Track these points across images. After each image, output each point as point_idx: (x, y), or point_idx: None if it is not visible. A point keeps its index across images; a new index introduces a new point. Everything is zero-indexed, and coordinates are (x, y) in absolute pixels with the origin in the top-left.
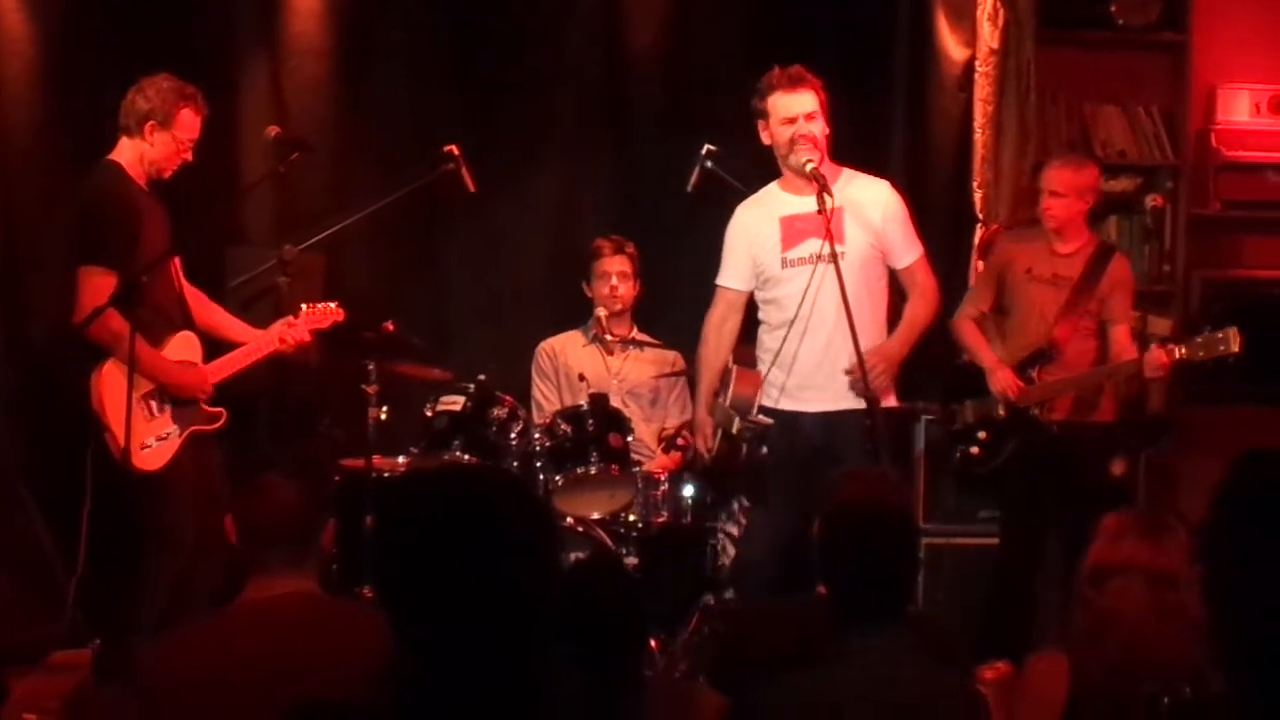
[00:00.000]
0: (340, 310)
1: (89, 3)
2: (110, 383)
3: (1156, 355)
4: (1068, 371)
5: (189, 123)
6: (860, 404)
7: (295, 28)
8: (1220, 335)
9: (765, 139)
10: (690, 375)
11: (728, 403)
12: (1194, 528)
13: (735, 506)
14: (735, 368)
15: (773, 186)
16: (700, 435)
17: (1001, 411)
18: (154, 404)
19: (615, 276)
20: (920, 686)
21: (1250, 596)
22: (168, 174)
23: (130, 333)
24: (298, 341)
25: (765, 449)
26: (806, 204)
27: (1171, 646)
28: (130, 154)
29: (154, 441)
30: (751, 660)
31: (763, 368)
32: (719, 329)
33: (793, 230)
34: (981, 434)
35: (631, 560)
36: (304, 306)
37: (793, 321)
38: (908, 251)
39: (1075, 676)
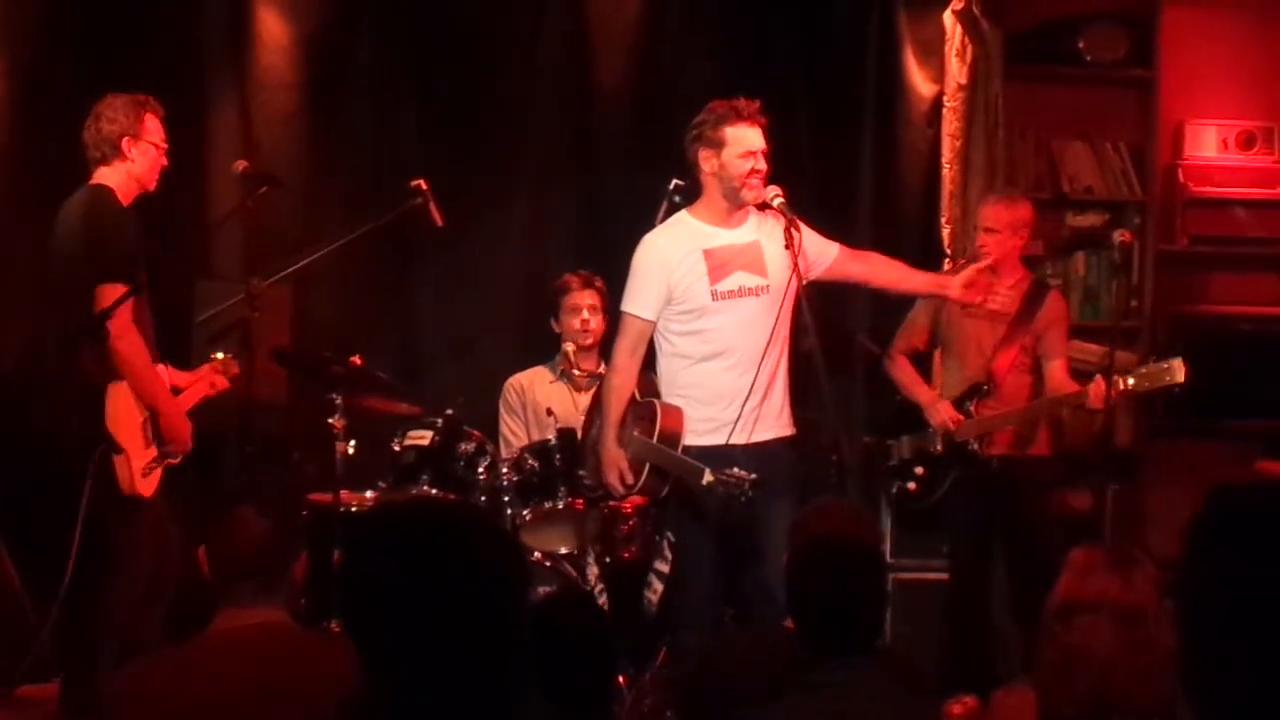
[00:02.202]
0: (235, 365)
1: (58, 37)
2: (124, 404)
3: (1098, 386)
4: (1005, 406)
5: (155, 127)
6: (784, 432)
7: (264, 61)
8: (1165, 366)
9: (709, 167)
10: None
11: (655, 439)
12: (1162, 561)
13: (664, 543)
14: (658, 402)
15: (687, 217)
16: (613, 469)
17: (939, 447)
18: (149, 431)
19: (586, 310)
20: None
21: (1224, 629)
22: (153, 185)
23: (106, 361)
24: (222, 390)
25: (744, 501)
26: (733, 236)
27: (1142, 681)
28: (116, 178)
29: (147, 469)
30: (720, 695)
31: (678, 401)
32: (631, 358)
33: (718, 263)
34: (919, 469)
35: (601, 596)
36: (218, 356)
37: (720, 355)
38: (831, 244)
39: (1043, 712)
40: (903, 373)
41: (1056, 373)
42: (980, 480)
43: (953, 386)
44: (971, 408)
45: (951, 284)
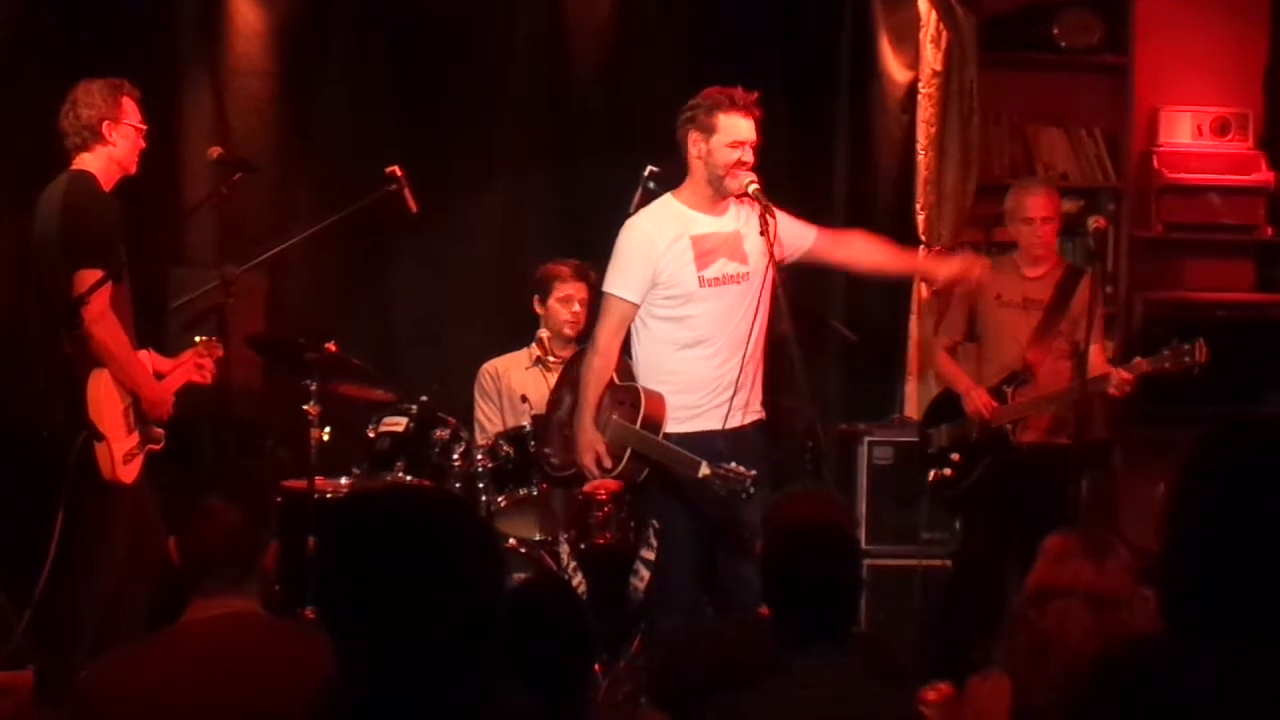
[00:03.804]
0: (221, 348)
1: (29, 26)
2: (105, 391)
3: (1119, 371)
4: (1042, 392)
5: (133, 109)
6: (756, 415)
7: (238, 48)
8: (1187, 347)
9: (696, 151)
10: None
11: (639, 425)
12: (1136, 548)
13: (649, 531)
14: (641, 388)
15: (672, 201)
16: (589, 452)
17: (976, 434)
18: (131, 417)
19: (578, 303)
20: (863, 706)
21: (1217, 535)
22: (134, 167)
23: (81, 352)
24: (212, 374)
25: (745, 497)
26: (718, 224)
27: None
28: (97, 163)
29: (128, 455)
30: (696, 681)
31: (657, 387)
32: (614, 340)
33: (704, 250)
34: (955, 455)
35: (577, 582)
36: (200, 339)
37: (701, 343)
38: (809, 229)
39: (1018, 698)
40: (944, 364)
41: (1093, 358)
42: (1011, 467)
43: (989, 375)
44: (1009, 394)
45: (939, 271)
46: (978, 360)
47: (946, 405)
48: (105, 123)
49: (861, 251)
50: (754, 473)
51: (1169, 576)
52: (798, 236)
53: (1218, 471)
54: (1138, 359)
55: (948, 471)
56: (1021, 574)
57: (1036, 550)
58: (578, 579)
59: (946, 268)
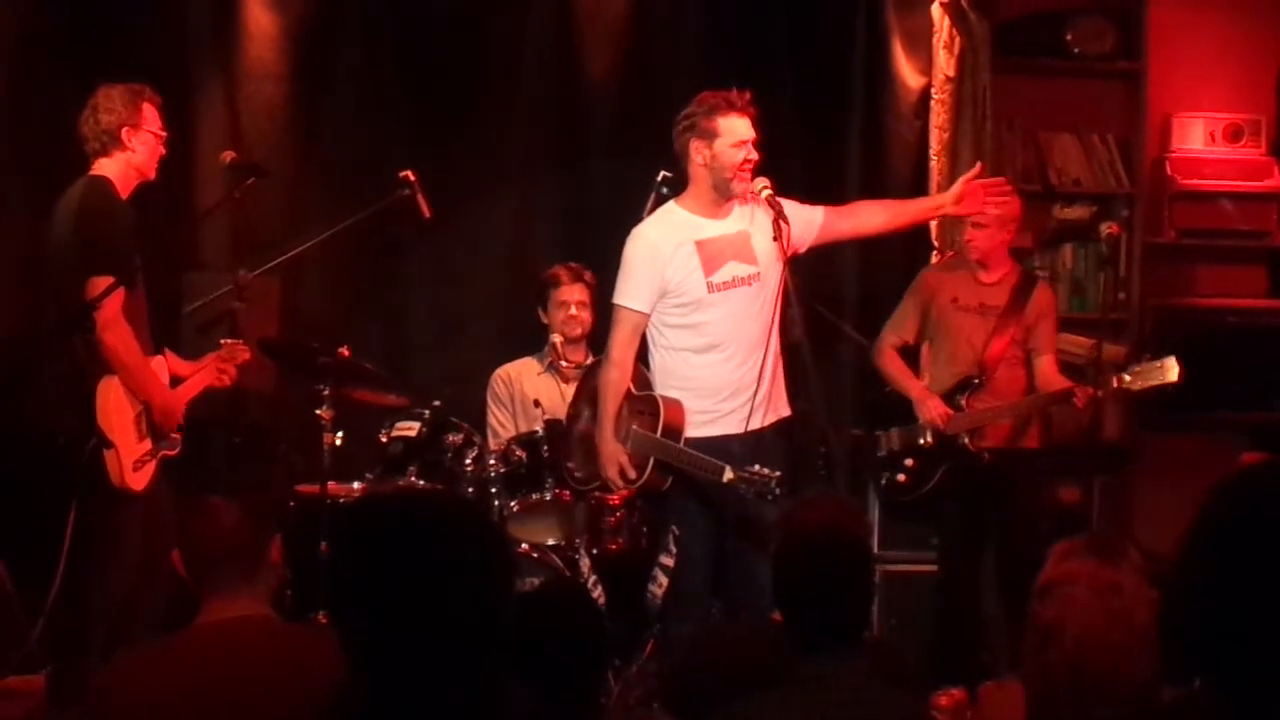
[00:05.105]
0: (248, 350)
1: (42, 29)
2: (115, 398)
3: (1085, 390)
4: (996, 399)
5: (153, 115)
6: (781, 414)
7: (251, 53)
8: (1159, 365)
9: (700, 158)
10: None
11: (659, 433)
12: (1149, 553)
13: (669, 537)
14: (659, 396)
15: (676, 209)
16: (612, 464)
17: (929, 439)
18: (143, 424)
19: (574, 305)
20: (875, 712)
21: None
22: (153, 173)
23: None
24: (233, 378)
25: (771, 498)
26: (723, 227)
27: (1120, 658)
28: (115, 169)
29: (139, 462)
30: (707, 686)
31: (674, 393)
32: (627, 351)
33: (711, 254)
34: (908, 461)
35: (598, 595)
36: (223, 342)
37: (716, 347)
38: (815, 210)
39: (1030, 703)
40: (892, 366)
41: (1046, 367)
42: (971, 473)
43: (943, 380)
44: (962, 401)
45: (946, 202)
46: (930, 363)
47: (894, 406)
48: (125, 129)
49: (867, 216)
50: (778, 473)
51: (1169, 621)
52: (808, 224)
53: (1232, 523)
54: (1113, 375)
55: (900, 477)
56: (999, 579)
57: (1013, 556)
58: (598, 592)
59: (952, 204)
